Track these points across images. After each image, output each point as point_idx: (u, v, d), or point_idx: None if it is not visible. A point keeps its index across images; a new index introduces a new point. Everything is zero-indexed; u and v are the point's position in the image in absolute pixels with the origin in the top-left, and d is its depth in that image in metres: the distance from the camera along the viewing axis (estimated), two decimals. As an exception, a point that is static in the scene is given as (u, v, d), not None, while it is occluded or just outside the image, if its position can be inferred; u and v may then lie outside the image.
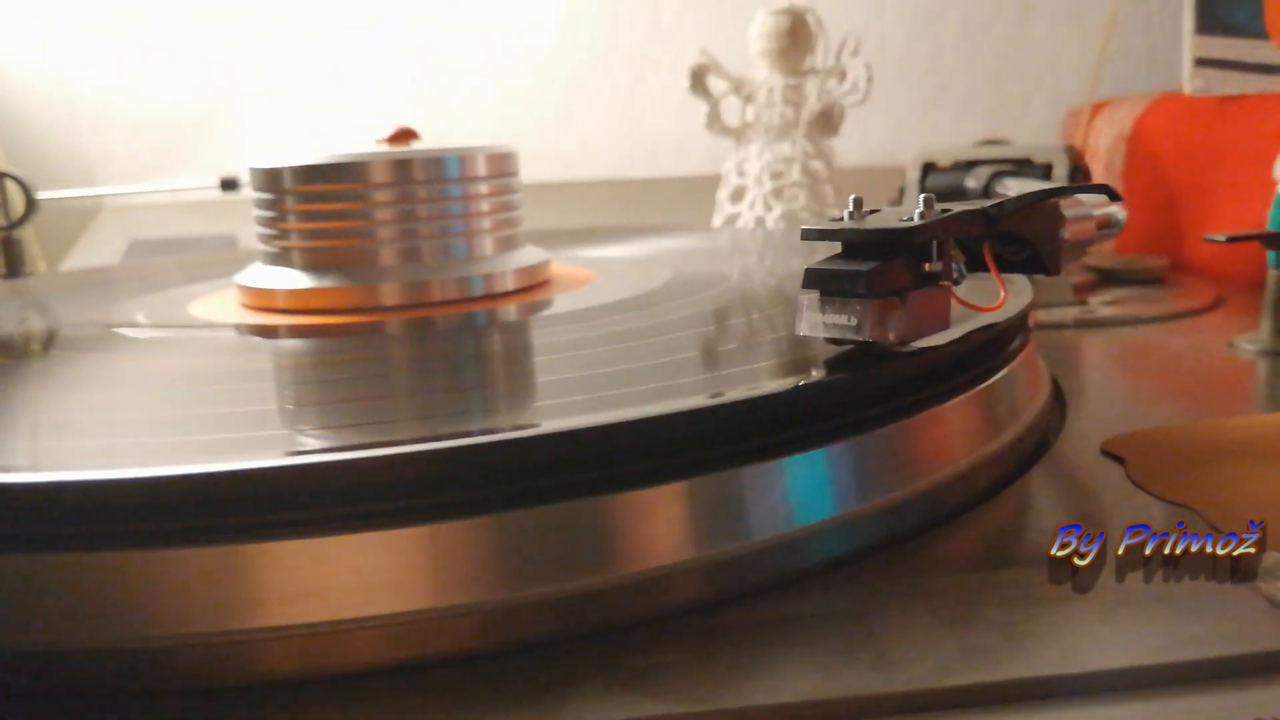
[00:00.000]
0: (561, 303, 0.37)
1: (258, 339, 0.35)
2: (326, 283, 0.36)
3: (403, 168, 0.36)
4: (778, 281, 0.40)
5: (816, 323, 0.24)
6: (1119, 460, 0.28)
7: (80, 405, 0.26)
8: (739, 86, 0.62)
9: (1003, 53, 0.76)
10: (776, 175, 0.61)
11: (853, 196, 0.26)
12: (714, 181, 0.63)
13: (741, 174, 0.62)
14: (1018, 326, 0.31)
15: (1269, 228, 0.41)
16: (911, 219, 0.25)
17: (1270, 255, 0.39)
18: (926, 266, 0.25)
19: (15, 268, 0.57)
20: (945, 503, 0.24)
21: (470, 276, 0.37)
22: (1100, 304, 0.48)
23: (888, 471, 0.23)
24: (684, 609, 0.20)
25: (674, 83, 0.75)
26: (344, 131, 0.72)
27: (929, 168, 0.56)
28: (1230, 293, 0.51)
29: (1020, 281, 0.31)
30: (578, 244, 0.50)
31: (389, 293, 0.36)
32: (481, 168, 0.37)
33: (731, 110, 0.63)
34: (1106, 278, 0.54)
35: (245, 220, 0.48)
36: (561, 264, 0.43)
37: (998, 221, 0.26)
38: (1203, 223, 0.59)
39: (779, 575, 0.21)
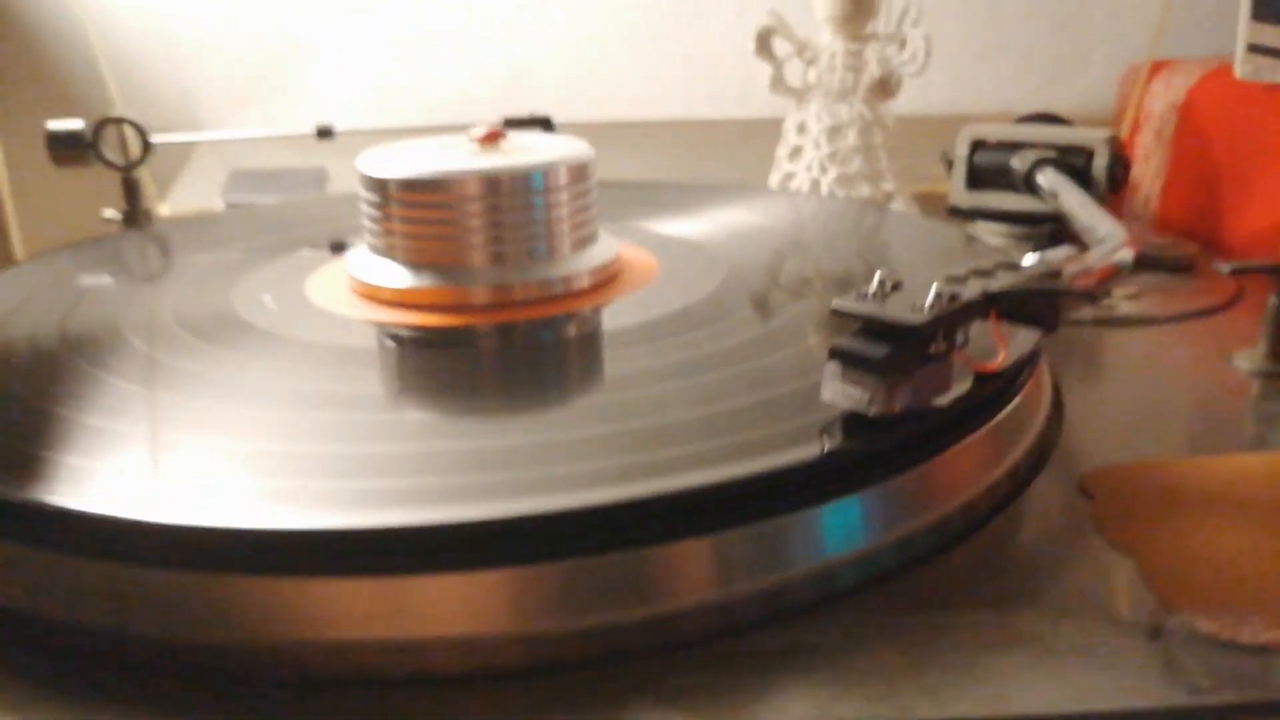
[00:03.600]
0: (624, 312, 0.41)
1: (387, 345, 0.40)
2: (423, 281, 0.41)
3: (491, 184, 0.41)
4: (825, 286, 0.45)
5: (837, 391, 0.29)
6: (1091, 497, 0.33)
7: (255, 427, 0.32)
8: (802, 50, 0.65)
9: (1066, 4, 0.76)
10: (834, 138, 0.64)
11: (879, 274, 0.31)
12: (773, 126, 0.67)
13: (801, 134, 0.66)
14: (1011, 381, 0.35)
15: None
16: (923, 310, 0.29)
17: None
18: (932, 348, 0.30)
19: (134, 204, 0.63)
20: (924, 545, 0.30)
21: (550, 278, 0.42)
22: (1122, 297, 0.52)
23: (875, 523, 0.29)
24: (704, 638, 0.26)
25: (738, 27, 0.78)
26: (426, 76, 0.76)
27: (977, 145, 0.59)
28: (1254, 286, 0.54)
29: (1024, 333, 0.35)
30: (646, 214, 0.55)
31: (477, 293, 0.41)
32: (562, 178, 0.42)
33: (794, 71, 0.66)
34: (1138, 262, 0.57)
35: (332, 154, 0.54)
36: (629, 245, 0.48)
37: (1000, 302, 0.31)
38: (1240, 206, 0.61)
39: (785, 610, 0.27)
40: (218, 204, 0.71)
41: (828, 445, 0.29)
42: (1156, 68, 0.73)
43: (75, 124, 0.60)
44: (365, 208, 0.43)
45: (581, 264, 0.43)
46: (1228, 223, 0.62)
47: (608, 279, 0.44)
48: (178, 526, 0.26)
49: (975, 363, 0.32)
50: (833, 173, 0.64)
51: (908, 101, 0.68)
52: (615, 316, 0.41)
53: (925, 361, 0.30)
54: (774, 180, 0.67)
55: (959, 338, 0.31)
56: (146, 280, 0.50)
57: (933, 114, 0.78)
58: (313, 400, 0.34)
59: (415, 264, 0.42)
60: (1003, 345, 0.32)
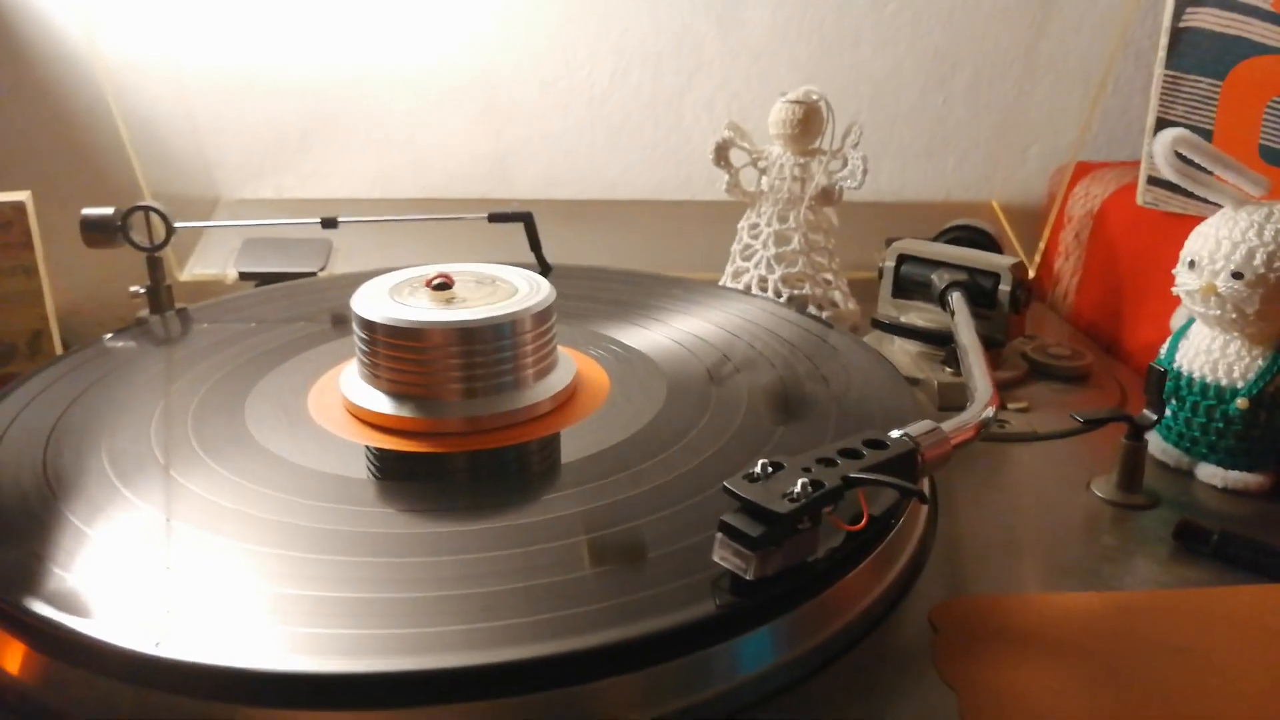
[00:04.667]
0: (574, 443, 0.49)
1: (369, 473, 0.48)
2: (403, 410, 0.49)
3: (465, 334, 0.48)
4: (744, 421, 0.52)
5: (724, 556, 0.37)
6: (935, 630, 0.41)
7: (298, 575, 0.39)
8: (756, 159, 0.72)
9: (1006, 106, 0.84)
10: (781, 241, 0.72)
11: (762, 461, 0.38)
12: (734, 209, 0.74)
13: (753, 234, 0.73)
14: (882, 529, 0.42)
15: (1161, 361, 0.52)
16: (795, 495, 0.37)
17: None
18: (800, 525, 0.37)
19: (157, 280, 0.71)
20: (790, 675, 0.38)
21: (515, 409, 0.50)
22: (1014, 410, 0.60)
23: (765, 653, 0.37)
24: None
25: (706, 122, 0.85)
26: (423, 154, 0.84)
27: (903, 259, 0.67)
28: (1135, 397, 0.62)
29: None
30: (604, 318, 0.62)
31: (450, 423, 0.49)
32: (528, 325, 0.50)
33: (750, 172, 0.73)
34: (1035, 370, 0.65)
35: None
36: (585, 358, 0.56)
37: (858, 485, 0.39)
38: (1137, 316, 0.69)
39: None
40: (231, 272, 0.78)
41: (716, 601, 0.37)
42: (1081, 170, 0.80)
43: (106, 211, 0.68)
44: (357, 341, 0.51)
45: (543, 392, 0.51)
46: (1126, 329, 0.70)
47: (566, 399, 0.52)
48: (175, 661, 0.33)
49: (841, 524, 0.40)
50: (779, 271, 0.72)
51: (858, 188, 0.75)
52: (569, 446, 0.49)
53: (794, 534, 0.37)
54: (729, 271, 0.74)
55: (823, 517, 0.39)
56: (170, 378, 0.57)
57: (882, 200, 0.85)
58: (301, 539, 0.41)
59: (396, 395, 0.50)
60: (865, 511, 0.40)
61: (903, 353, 0.65)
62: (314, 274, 0.77)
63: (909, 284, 0.66)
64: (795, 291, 0.72)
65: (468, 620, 0.35)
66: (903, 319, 0.67)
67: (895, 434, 0.42)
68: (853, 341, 0.60)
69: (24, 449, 0.47)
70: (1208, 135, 0.63)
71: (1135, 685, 0.38)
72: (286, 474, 0.45)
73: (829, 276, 0.73)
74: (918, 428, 0.43)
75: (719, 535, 0.37)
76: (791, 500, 0.37)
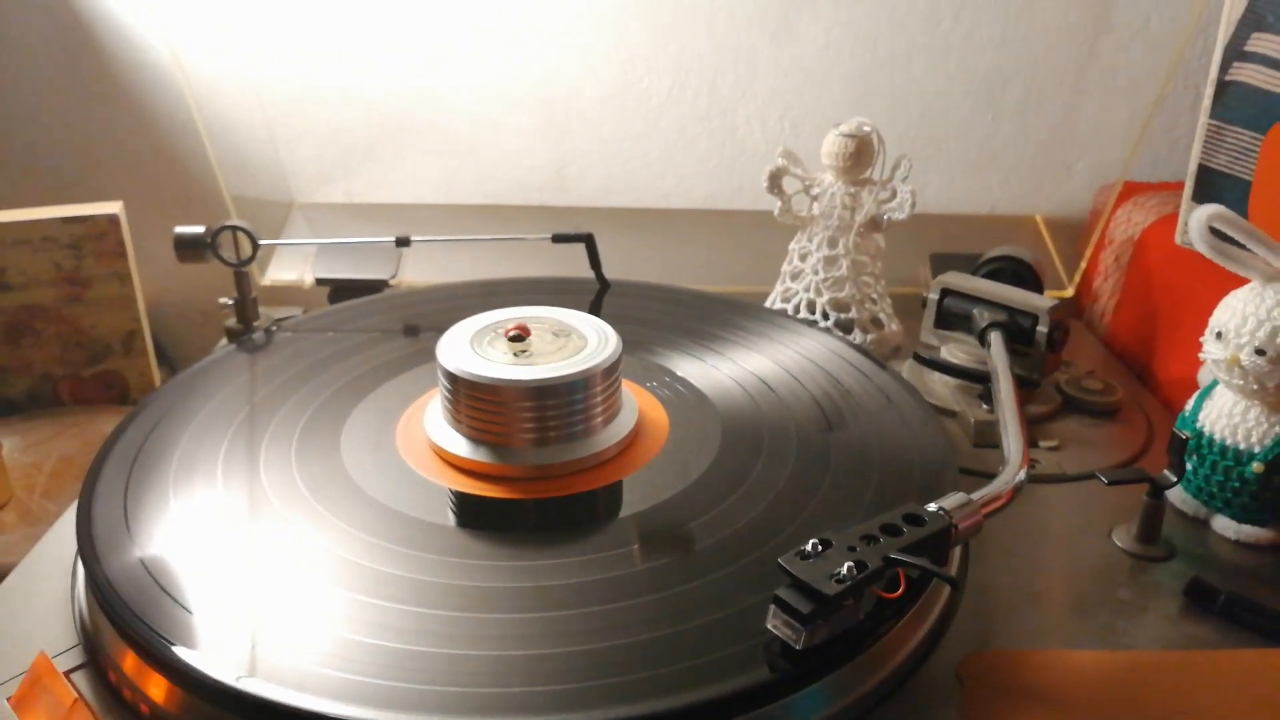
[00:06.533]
0: (635, 493, 0.53)
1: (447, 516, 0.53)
2: (480, 456, 0.54)
3: (538, 392, 0.53)
4: (794, 474, 0.56)
5: (777, 626, 0.42)
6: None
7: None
8: (808, 186, 0.76)
9: (1054, 123, 0.86)
10: (829, 266, 0.75)
11: (814, 541, 0.43)
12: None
13: (803, 259, 0.77)
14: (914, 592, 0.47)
15: (1185, 416, 0.56)
16: (841, 577, 0.41)
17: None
18: (845, 604, 0.42)
19: (244, 292, 0.76)
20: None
21: (583, 456, 0.54)
22: (1045, 448, 0.64)
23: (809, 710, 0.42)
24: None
25: (760, 135, 0.88)
26: (486, 162, 0.87)
27: (946, 292, 0.70)
28: (1162, 435, 0.65)
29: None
30: (660, 344, 0.67)
31: (523, 470, 0.54)
32: (597, 381, 0.54)
33: (800, 198, 0.76)
34: (1067, 403, 0.69)
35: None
36: (645, 398, 0.61)
37: (898, 565, 0.43)
38: (1170, 351, 0.72)
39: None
40: (308, 278, 0.83)
41: (772, 669, 0.41)
42: (1127, 191, 0.82)
43: (197, 230, 0.73)
44: (441, 388, 0.56)
45: (609, 437, 0.56)
46: (1158, 360, 0.73)
47: (630, 442, 0.57)
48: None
49: (880, 592, 0.44)
50: (827, 296, 0.75)
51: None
52: (631, 495, 0.53)
53: (839, 609, 0.42)
54: (778, 290, 0.78)
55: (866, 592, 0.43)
56: (273, 403, 0.62)
57: (929, 212, 0.88)
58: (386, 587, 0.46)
59: (474, 440, 0.55)
60: (902, 580, 0.45)
61: (941, 384, 0.69)
62: (386, 281, 0.82)
63: (951, 316, 0.70)
64: (842, 315, 0.75)
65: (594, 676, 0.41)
66: (943, 349, 0.71)
67: (932, 508, 0.46)
68: (900, 387, 0.63)
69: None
70: (1247, 186, 0.65)
71: (1138, 749, 0.42)
72: (376, 516, 0.50)
73: (874, 298, 0.76)
74: (952, 501, 0.47)
75: (772, 607, 0.42)
76: (839, 581, 0.41)
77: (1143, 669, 0.47)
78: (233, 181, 0.84)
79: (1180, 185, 0.76)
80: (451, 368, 0.54)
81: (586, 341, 0.57)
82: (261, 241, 0.73)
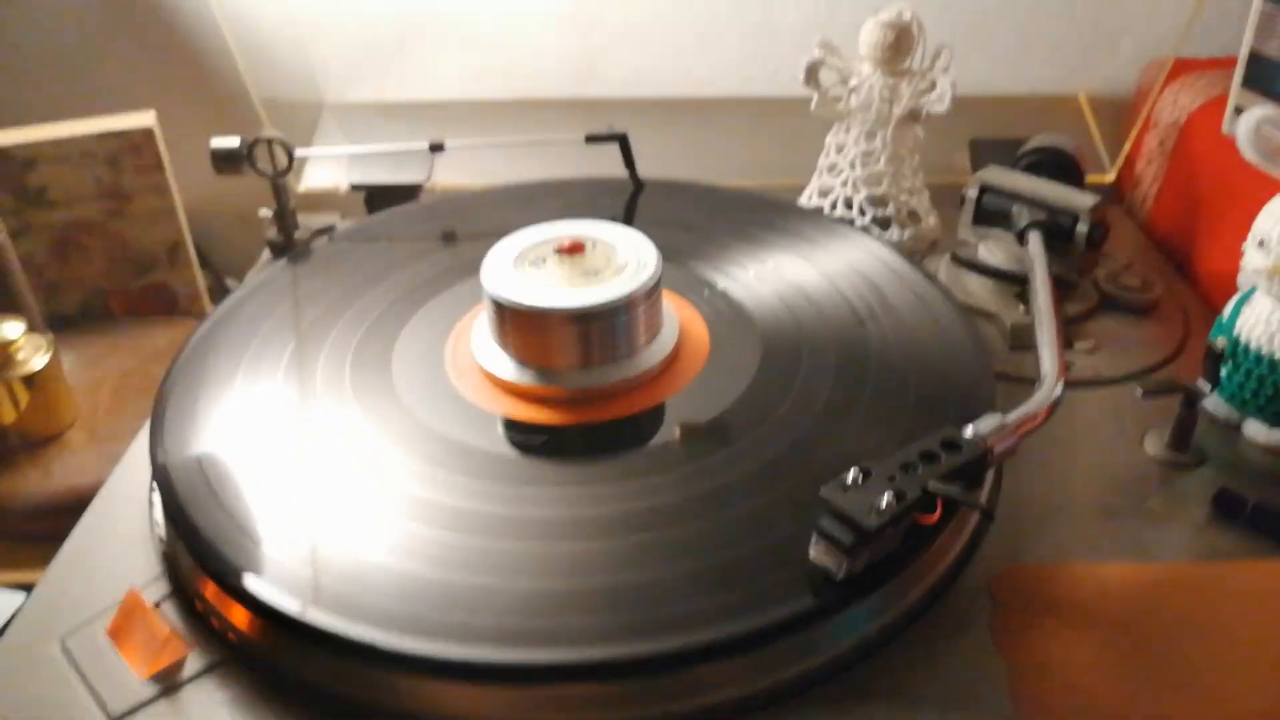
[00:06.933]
0: (679, 407, 0.55)
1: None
2: (526, 378, 0.55)
3: (580, 318, 0.54)
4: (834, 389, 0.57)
5: (819, 555, 0.44)
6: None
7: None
8: (845, 78, 0.74)
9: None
10: (867, 162, 0.74)
11: (855, 469, 0.44)
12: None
13: (839, 152, 0.76)
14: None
15: (1222, 322, 0.57)
16: (881, 509, 0.43)
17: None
18: (887, 532, 0.44)
19: (282, 203, 0.76)
20: (875, 641, 0.45)
21: (627, 376, 0.56)
22: (1081, 351, 0.64)
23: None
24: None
25: (795, 16, 0.85)
26: (515, 55, 0.86)
27: (985, 189, 0.69)
28: (1199, 331, 0.65)
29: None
30: (697, 253, 0.67)
31: (569, 391, 0.55)
32: (639, 305, 0.55)
33: (839, 89, 0.75)
34: (1104, 302, 0.68)
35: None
36: (686, 312, 0.62)
37: (937, 494, 0.45)
38: (1211, 242, 0.71)
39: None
40: (343, 184, 0.83)
41: (815, 599, 0.44)
42: (1177, 69, 0.80)
43: (233, 141, 0.73)
44: (488, 311, 0.57)
45: (652, 357, 0.57)
46: (1199, 252, 0.72)
47: (672, 359, 0.58)
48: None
49: (918, 515, 0.46)
50: (864, 192, 0.75)
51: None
52: (676, 411, 0.55)
53: (880, 537, 0.44)
54: (815, 184, 0.78)
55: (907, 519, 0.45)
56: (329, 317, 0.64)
57: (968, 95, 0.85)
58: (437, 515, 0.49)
59: (521, 361, 0.56)
60: (939, 504, 0.46)
61: (979, 284, 0.69)
62: (420, 185, 0.82)
63: (989, 213, 0.69)
64: (880, 212, 0.75)
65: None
66: (980, 246, 0.70)
67: (969, 433, 0.47)
68: (937, 291, 0.63)
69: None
70: (1299, 74, 0.63)
71: (1161, 661, 0.45)
72: (436, 447, 0.52)
73: (912, 192, 0.76)
74: (987, 424, 0.48)
75: (814, 537, 0.44)
76: (879, 514, 0.43)
77: (1166, 583, 0.49)
78: (262, 83, 0.83)
79: (1232, 60, 0.74)
80: (496, 294, 0.55)
81: (625, 263, 0.57)
82: (296, 153, 0.73)
